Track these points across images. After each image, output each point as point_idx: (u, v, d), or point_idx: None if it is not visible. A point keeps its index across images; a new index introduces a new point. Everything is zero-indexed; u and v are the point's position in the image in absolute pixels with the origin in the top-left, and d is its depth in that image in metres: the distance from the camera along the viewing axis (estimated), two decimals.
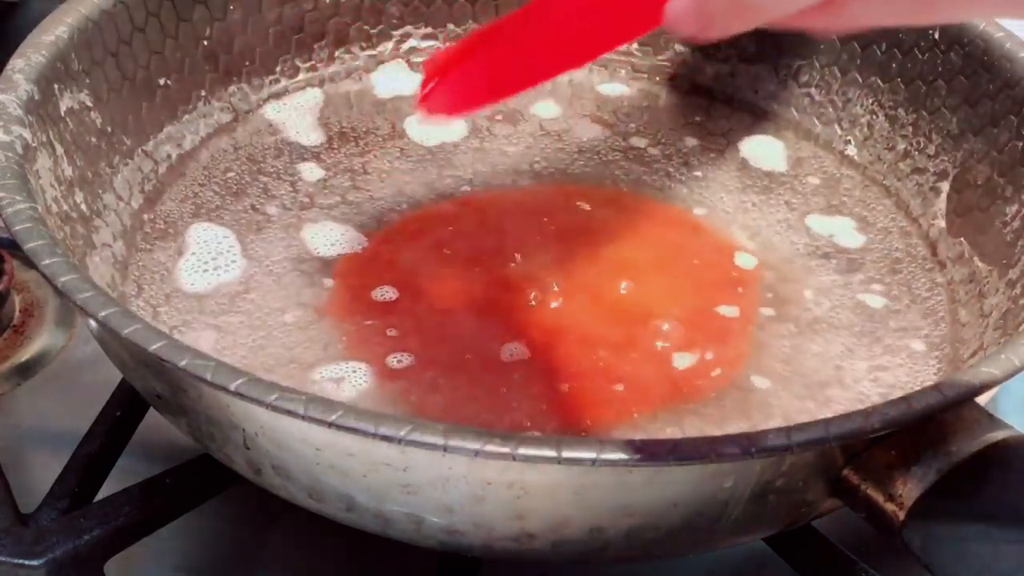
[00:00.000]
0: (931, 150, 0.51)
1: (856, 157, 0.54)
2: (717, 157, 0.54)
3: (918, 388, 0.34)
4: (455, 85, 0.37)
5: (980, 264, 0.47)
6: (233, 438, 0.35)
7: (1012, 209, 0.46)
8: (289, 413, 0.31)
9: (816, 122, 0.55)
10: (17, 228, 0.36)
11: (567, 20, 0.34)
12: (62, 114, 0.44)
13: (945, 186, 0.50)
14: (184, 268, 0.46)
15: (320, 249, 0.47)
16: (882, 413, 0.32)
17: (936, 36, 0.51)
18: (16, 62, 0.43)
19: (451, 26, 0.58)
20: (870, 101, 0.54)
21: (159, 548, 0.43)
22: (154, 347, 0.32)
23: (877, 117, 0.53)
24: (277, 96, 0.55)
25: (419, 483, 0.32)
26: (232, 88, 0.53)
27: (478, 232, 0.48)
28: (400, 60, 0.58)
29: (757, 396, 0.42)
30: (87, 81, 0.46)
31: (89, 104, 0.46)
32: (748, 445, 0.31)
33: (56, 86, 0.44)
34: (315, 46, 0.56)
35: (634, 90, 0.58)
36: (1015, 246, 0.45)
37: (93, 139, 0.46)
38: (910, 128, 0.52)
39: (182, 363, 0.32)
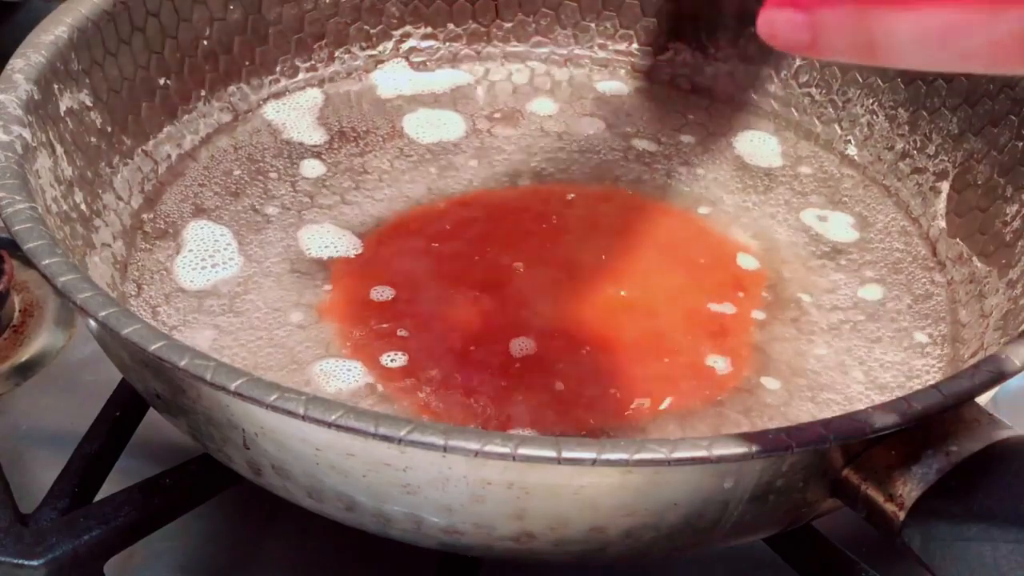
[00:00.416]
0: (931, 150, 0.51)
1: (856, 157, 0.54)
2: (717, 157, 0.54)
3: (918, 388, 0.34)
4: None
5: (980, 264, 0.47)
6: (233, 438, 0.35)
7: (1012, 209, 0.46)
8: (289, 413, 0.31)
9: (816, 122, 0.55)
10: (17, 228, 0.36)
11: None
12: (62, 114, 0.44)
13: (945, 186, 0.50)
14: (181, 265, 0.46)
15: (320, 249, 0.47)
16: (882, 413, 0.32)
17: None
18: (16, 62, 0.43)
19: (451, 26, 0.58)
20: (870, 101, 0.54)
21: (159, 548, 0.43)
22: (154, 347, 0.32)
23: (877, 117, 0.53)
24: (277, 96, 0.55)
25: (419, 483, 0.32)
26: (232, 88, 0.53)
27: (478, 232, 0.48)
28: (400, 60, 0.58)
29: (757, 397, 0.42)
30: (87, 81, 0.46)
31: (89, 104, 0.46)
32: (748, 445, 0.31)
33: (56, 86, 0.44)
34: (315, 46, 0.56)
35: (634, 90, 0.58)
36: (1015, 246, 0.45)
37: (93, 139, 0.46)
38: (910, 128, 0.52)
39: (182, 363, 0.32)
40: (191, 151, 0.51)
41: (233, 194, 0.50)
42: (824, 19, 0.27)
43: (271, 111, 0.54)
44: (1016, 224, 0.46)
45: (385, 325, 0.44)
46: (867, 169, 0.53)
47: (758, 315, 0.46)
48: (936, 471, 0.32)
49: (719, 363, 0.43)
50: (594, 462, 0.30)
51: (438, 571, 0.40)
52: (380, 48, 0.57)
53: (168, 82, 0.50)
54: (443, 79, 0.57)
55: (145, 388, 0.38)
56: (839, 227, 0.50)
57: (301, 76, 0.56)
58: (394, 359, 0.42)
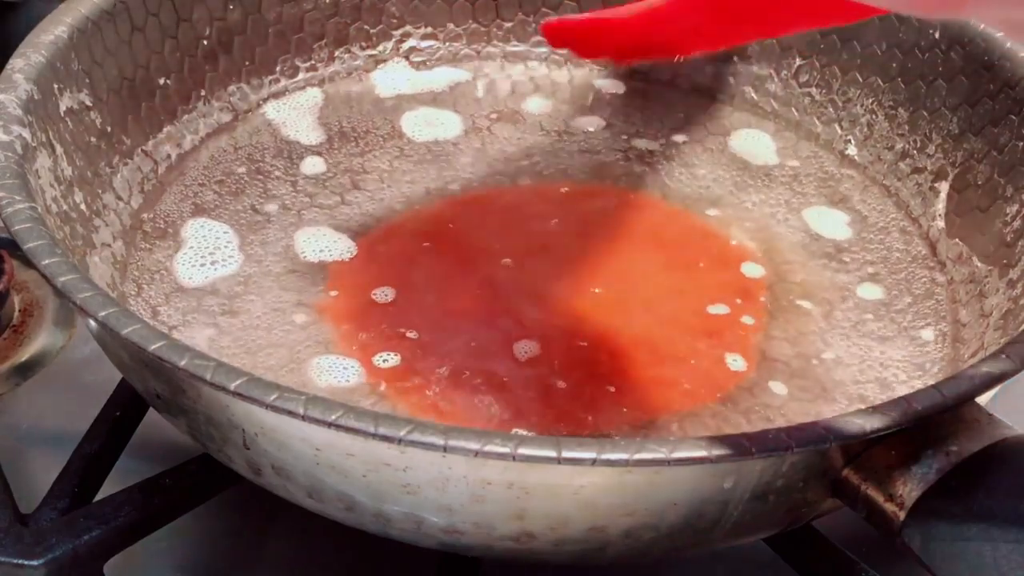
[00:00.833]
0: (931, 150, 0.51)
1: (856, 157, 0.54)
2: (717, 156, 0.54)
3: (918, 388, 0.34)
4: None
5: (980, 264, 0.47)
6: (233, 438, 0.35)
7: (1012, 209, 0.46)
8: (289, 413, 0.31)
9: (816, 122, 0.55)
10: (17, 228, 0.36)
11: None
12: (62, 114, 0.44)
13: (945, 186, 0.50)
14: (181, 262, 0.46)
15: (320, 249, 0.47)
16: (882, 413, 0.32)
17: (936, 35, 0.51)
18: (16, 62, 0.43)
19: (451, 26, 0.58)
20: (870, 101, 0.54)
21: (159, 548, 0.43)
22: (153, 347, 0.32)
23: (877, 117, 0.53)
24: (277, 96, 0.55)
25: (419, 483, 0.32)
26: (232, 88, 0.53)
27: (478, 231, 0.48)
28: (400, 60, 0.58)
29: (757, 397, 0.42)
30: (87, 81, 0.46)
31: (89, 104, 0.46)
32: (748, 445, 0.31)
33: (56, 86, 0.44)
34: (315, 46, 0.56)
35: (634, 90, 0.58)
36: (1015, 246, 0.45)
37: (93, 139, 0.46)
38: (910, 128, 0.52)
39: (181, 363, 0.32)
40: (191, 151, 0.51)
41: (233, 194, 0.50)
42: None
43: (271, 111, 0.54)
44: (1016, 224, 0.46)
45: (385, 325, 0.44)
46: (867, 169, 0.53)
47: (758, 315, 0.46)
48: (936, 471, 0.32)
49: (719, 363, 0.43)
50: (594, 462, 0.30)
51: (438, 571, 0.40)
52: (380, 48, 0.57)
53: (168, 82, 0.50)
54: (443, 79, 0.57)
55: (145, 388, 0.38)
56: (839, 227, 0.50)
57: (301, 76, 0.56)
58: (394, 359, 0.42)
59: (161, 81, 0.50)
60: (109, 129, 0.47)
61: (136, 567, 0.42)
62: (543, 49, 0.59)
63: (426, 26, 0.58)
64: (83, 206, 0.44)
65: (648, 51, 0.38)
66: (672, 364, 0.43)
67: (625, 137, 0.55)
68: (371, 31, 0.57)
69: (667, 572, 0.44)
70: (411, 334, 0.43)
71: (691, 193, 0.52)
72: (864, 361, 0.44)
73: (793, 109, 0.56)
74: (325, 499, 0.35)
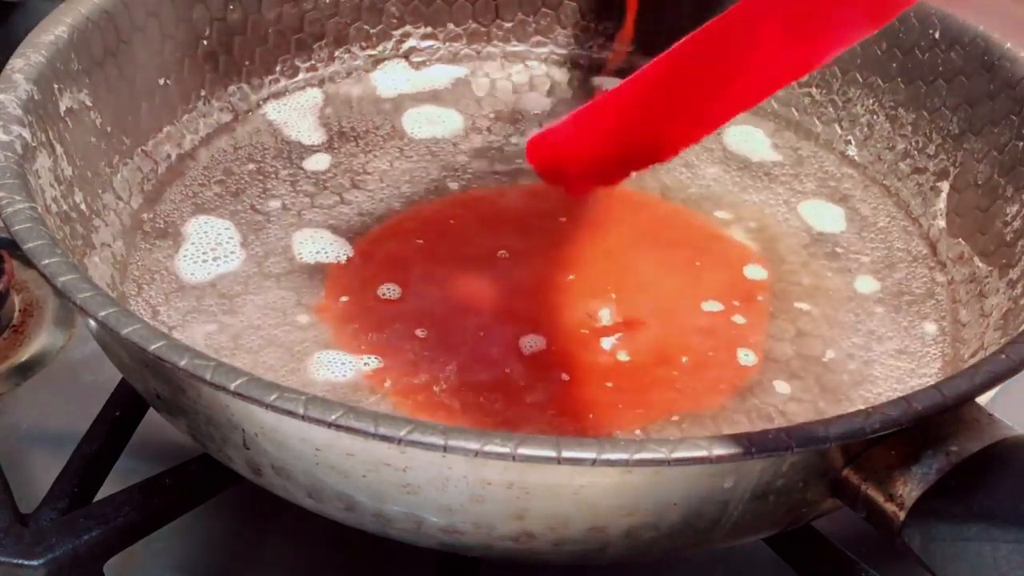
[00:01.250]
0: (931, 150, 0.51)
1: (856, 157, 0.54)
2: (717, 155, 0.54)
3: (918, 388, 0.34)
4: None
5: (980, 264, 0.47)
6: (232, 438, 0.35)
7: (1012, 209, 0.46)
8: (289, 413, 0.31)
9: (816, 122, 0.55)
10: (17, 228, 0.36)
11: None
12: (62, 114, 0.44)
13: (945, 186, 0.50)
14: (183, 258, 0.46)
15: (320, 248, 0.47)
16: (882, 413, 0.32)
17: (936, 36, 0.51)
18: (16, 62, 0.43)
19: (451, 26, 0.58)
20: (870, 101, 0.53)
21: (159, 548, 0.43)
22: (153, 347, 0.32)
23: (877, 117, 0.53)
24: (277, 96, 0.55)
25: (419, 483, 0.32)
26: (232, 88, 0.53)
27: (479, 230, 0.48)
28: (400, 60, 0.58)
29: (758, 397, 0.42)
30: (87, 81, 0.45)
31: (89, 104, 0.46)
32: (748, 445, 0.31)
33: (56, 86, 0.44)
34: (315, 46, 0.56)
35: None
36: (1015, 246, 0.45)
37: (93, 139, 0.46)
38: (910, 128, 0.52)
39: (181, 363, 0.32)
40: (191, 151, 0.51)
41: (233, 194, 0.50)
42: None
43: (271, 111, 0.54)
44: (1016, 224, 0.46)
45: (385, 324, 0.44)
46: (867, 169, 0.53)
47: (758, 315, 0.46)
48: (936, 471, 0.32)
49: (720, 363, 0.43)
50: (594, 462, 0.30)
51: (438, 571, 0.40)
52: (380, 48, 0.57)
53: (168, 82, 0.50)
54: (443, 79, 0.57)
55: (145, 388, 0.38)
56: (839, 226, 0.50)
57: (301, 76, 0.56)
58: (395, 358, 0.42)
59: (161, 81, 0.50)
60: (109, 129, 0.47)
61: (136, 567, 0.42)
62: (543, 49, 0.59)
63: (426, 26, 0.58)
64: (83, 206, 0.44)
65: (637, 152, 0.37)
66: (672, 363, 0.43)
67: None
68: (371, 31, 0.57)
69: (667, 572, 0.44)
70: (412, 332, 0.43)
71: (691, 192, 0.52)
72: (864, 361, 0.44)
73: (793, 109, 0.56)
74: (325, 499, 0.35)
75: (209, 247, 0.47)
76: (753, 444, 0.31)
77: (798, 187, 0.53)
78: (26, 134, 0.41)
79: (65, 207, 0.42)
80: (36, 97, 0.42)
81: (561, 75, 0.58)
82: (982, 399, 0.34)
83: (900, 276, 0.48)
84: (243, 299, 0.45)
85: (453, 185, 0.51)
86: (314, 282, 0.46)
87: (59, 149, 0.43)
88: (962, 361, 0.44)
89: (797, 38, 0.32)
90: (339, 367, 0.42)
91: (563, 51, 0.59)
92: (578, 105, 0.56)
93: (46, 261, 0.35)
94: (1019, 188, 0.46)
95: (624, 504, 0.32)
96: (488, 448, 0.30)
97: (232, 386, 0.31)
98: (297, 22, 0.55)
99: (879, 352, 0.45)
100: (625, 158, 0.39)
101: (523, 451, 0.30)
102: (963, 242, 0.48)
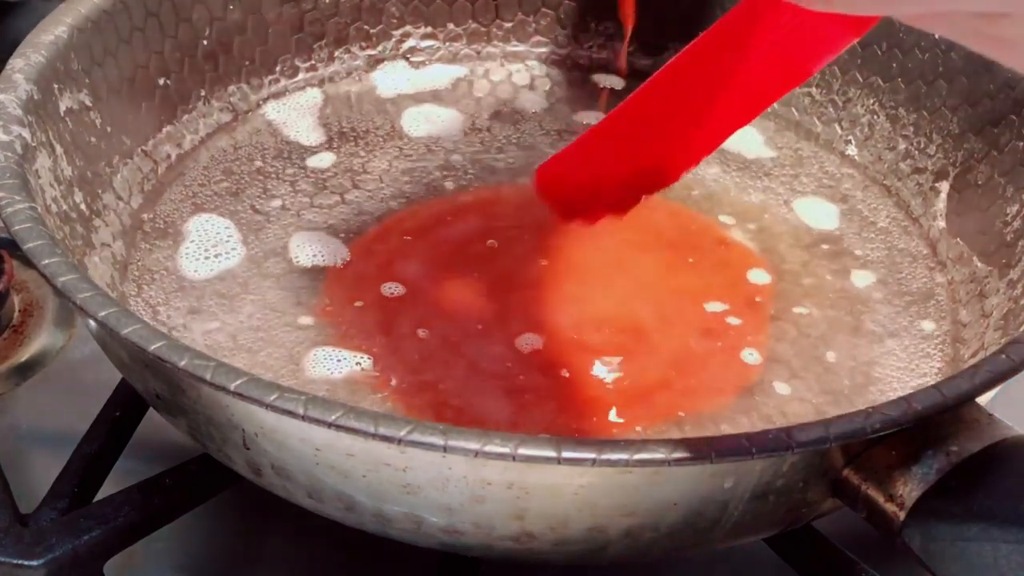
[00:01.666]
0: (931, 150, 0.51)
1: (856, 157, 0.54)
2: (716, 155, 0.54)
3: (918, 388, 0.34)
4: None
5: (980, 264, 0.47)
6: (232, 438, 0.35)
7: (1012, 209, 0.46)
8: (289, 413, 0.31)
9: (816, 122, 0.55)
10: (17, 228, 0.36)
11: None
12: (62, 114, 0.44)
13: (945, 186, 0.50)
14: (183, 258, 0.46)
15: (320, 248, 0.47)
16: (882, 413, 0.32)
17: (936, 35, 0.51)
18: (16, 62, 0.43)
19: (451, 25, 0.58)
20: (871, 101, 0.53)
21: (159, 548, 0.43)
22: (153, 347, 0.32)
23: (878, 117, 0.53)
24: (277, 96, 0.55)
25: (419, 483, 0.32)
26: (232, 88, 0.53)
27: (479, 230, 0.48)
28: (400, 60, 0.58)
29: (758, 397, 0.42)
30: (87, 81, 0.46)
31: (89, 104, 0.46)
32: (748, 445, 0.31)
33: (56, 86, 0.44)
34: (315, 46, 0.56)
35: (633, 88, 0.57)
36: (1015, 246, 0.45)
37: (93, 139, 0.46)
38: (911, 128, 0.52)
39: (181, 363, 0.32)
40: (191, 151, 0.51)
41: (233, 194, 0.50)
42: None
43: (271, 111, 0.54)
44: (1016, 224, 0.46)
45: (385, 323, 0.44)
46: (867, 169, 0.53)
47: (758, 315, 0.46)
48: (936, 471, 0.32)
49: (720, 363, 0.43)
50: (594, 462, 0.30)
51: (438, 571, 0.40)
52: (380, 48, 0.57)
53: (168, 82, 0.50)
54: (443, 78, 0.57)
55: (145, 388, 0.38)
56: (839, 226, 0.50)
57: (301, 76, 0.55)
58: (394, 358, 0.42)
59: (161, 81, 0.50)
60: (109, 129, 0.47)
61: (136, 567, 0.42)
62: (543, 49, 0.59)
63: (426, 26, 0.58)
64: (83, 206, 0.44)
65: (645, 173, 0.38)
66: (672, 363, 0.43)
67: None
68: (371, 31, 0.57)
69: (667, 572, 0.44)
70: (412, 332, 0.43)
71: (691, 192, 0.52)
72: (863, 361, 0.44)
73: (793, 109, 0.56)
74: (325, 499, 0.35)
75: (209, 247, 0.47)
76: (753, 444, 0.31)
77: (798, 187, 0.53)
78: (26, 134, 0.41)
79: (65, 207, 0.42)
80: (36, 97, 0.42)
81: (560, 74, 0.58)
82: (982, 399, 0.34)
83: (900, 276, 0.48)
84: (243, 299, 0.45)
85: (453, 185, 0.51)
86: (314, 282, 0.46)
87: (59, 149, 0.43)
88: (962, 361, 0.44)
89: (788, 47, 0.32)
90: (338, 367, 0.42)
91: (563, 51, 0.59)
92: (578, 105, 0.57)
93: (46, 261, 0.35)
94: (1019, 188, 0.46)
95: (624, 504, 0.32)
96: (488, 448, 0.30)
97: (232, 386, 0.31)
98: (297, 22, 0.55)
99: (879, 352, 0.45)
100: (631, 182, 0.39)
101: (523, 451, 0.30)
102: (963, 242, 0.48)
